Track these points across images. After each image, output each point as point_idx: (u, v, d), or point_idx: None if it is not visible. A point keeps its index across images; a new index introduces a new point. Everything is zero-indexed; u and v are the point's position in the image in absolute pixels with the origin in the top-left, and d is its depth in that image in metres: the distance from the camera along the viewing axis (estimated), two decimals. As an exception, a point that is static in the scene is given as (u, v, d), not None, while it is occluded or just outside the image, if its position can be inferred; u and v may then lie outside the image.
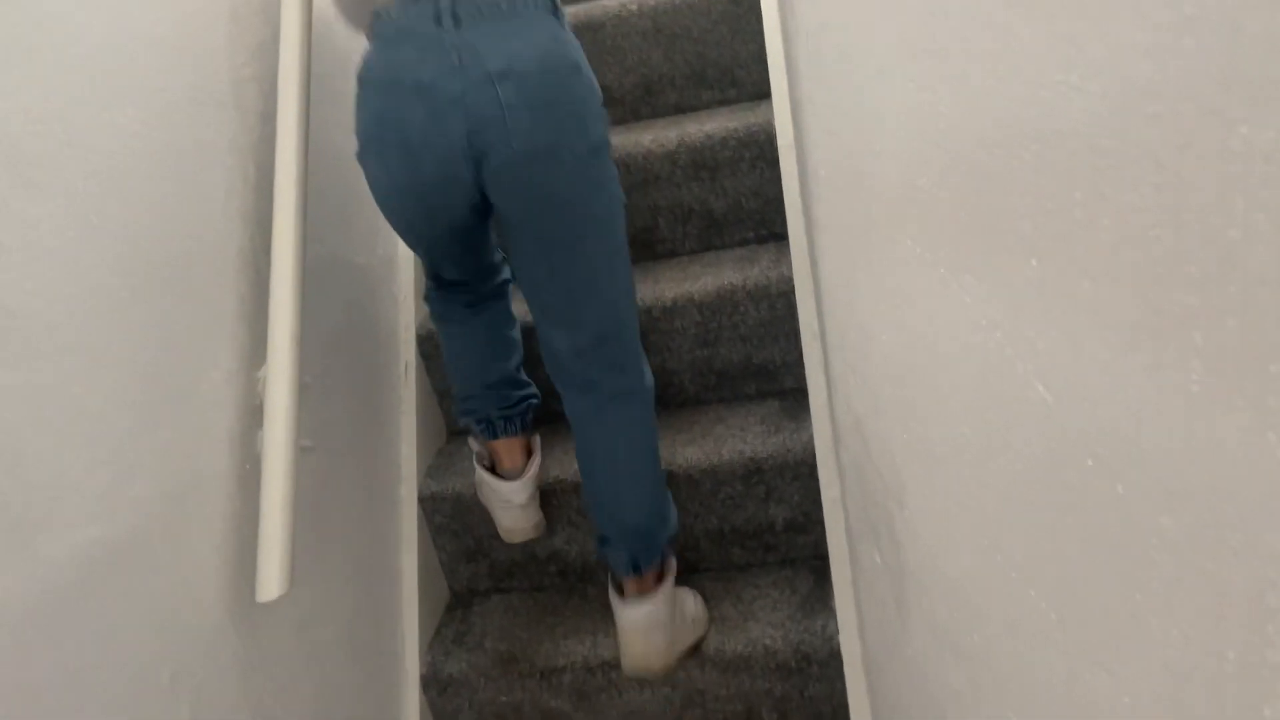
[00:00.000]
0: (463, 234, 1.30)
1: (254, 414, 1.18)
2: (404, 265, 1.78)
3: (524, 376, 1.55)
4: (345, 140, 1.35)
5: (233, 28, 1.27)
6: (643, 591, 1.36)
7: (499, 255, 1.48)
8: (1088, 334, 0.42)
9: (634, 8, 1.86)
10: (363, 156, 1.23)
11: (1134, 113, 0.36)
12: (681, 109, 1.94)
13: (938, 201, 0.61)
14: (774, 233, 1.78)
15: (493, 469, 1.55)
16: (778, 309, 1.62)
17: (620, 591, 1.39)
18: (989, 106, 0.50)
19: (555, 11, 1.18)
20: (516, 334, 1.53)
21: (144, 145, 1.06)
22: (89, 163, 0.97)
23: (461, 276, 1.42)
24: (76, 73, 0.97)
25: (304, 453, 1.30)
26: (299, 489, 1.16)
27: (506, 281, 1.50)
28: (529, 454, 1.56)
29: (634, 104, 1.94)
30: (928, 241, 0.66)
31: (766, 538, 1.59)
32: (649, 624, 1.35)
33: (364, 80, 1.20)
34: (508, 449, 1.52)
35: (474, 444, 1.57)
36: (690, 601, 1.48)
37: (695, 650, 1.46)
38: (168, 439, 1.03)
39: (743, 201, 1.77)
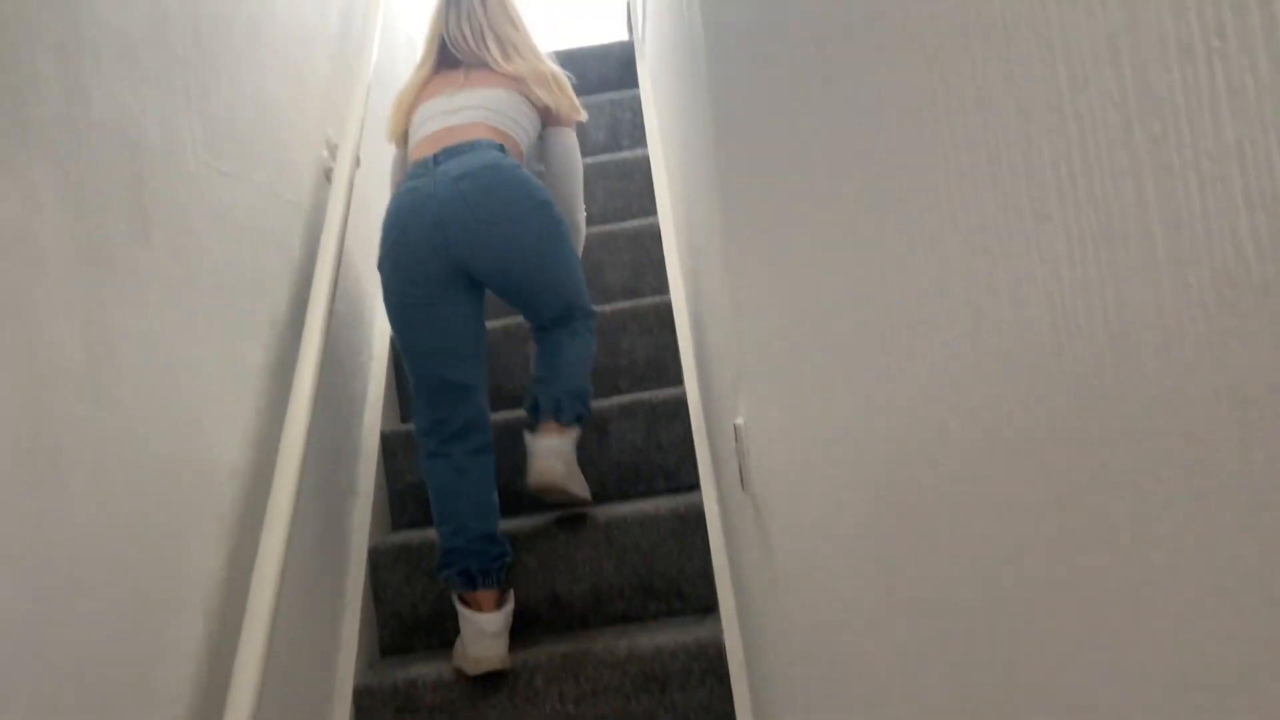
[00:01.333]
0: (443, 316, 1.74)
1: None
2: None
3: (501, 535, 1.76)
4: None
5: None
6: (554, 434, 1.76)
7: (488, 414, 1.81)
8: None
9: (589, 523, 1.90)
10: (379, 269, 1.79)
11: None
12: (629, 618, 1.88)
13: None
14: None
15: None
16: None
17: (536, 434, 1.78)
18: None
19: (502, 149, 1.78)
20: (496, 498, 1.79)
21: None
22: None
23: (452, 408, 1.75)
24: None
25: None
26: None
27: (489, 443, 1.80)
28: (502, 598, 1.75)
29: (583, 611, 1.89)
30: None
31: None
32: (554, 451, 1.75)
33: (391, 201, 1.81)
34: (485, 598, 1.71)
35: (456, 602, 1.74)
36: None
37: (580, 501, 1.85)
38: None
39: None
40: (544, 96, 1.88)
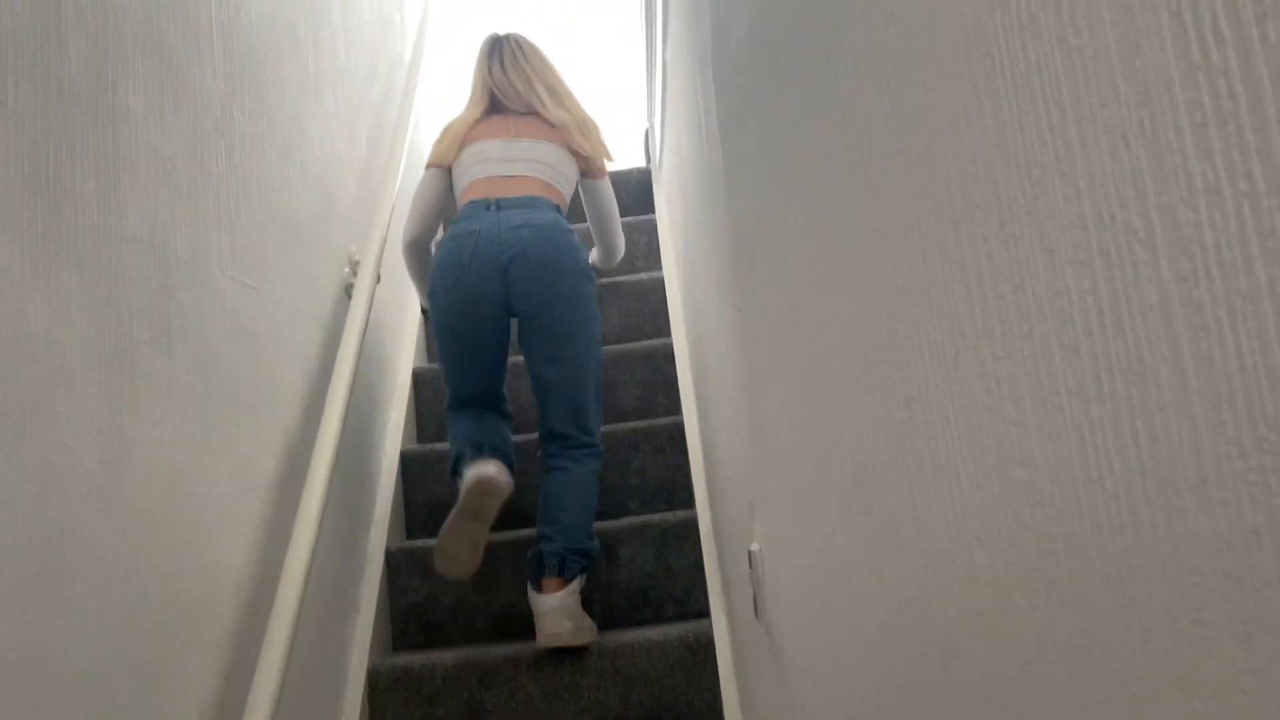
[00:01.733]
0: (491, 343, 1.98)
1: None
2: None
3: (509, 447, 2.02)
4: None
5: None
6: (556, 590, 1.82)
7: (507, 400, 2.07)
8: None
9: (595, 649, 1.85)
10: (433, 295, 1.99)
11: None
12: (634, 753, 1.80)
13: None
14: None
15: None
16: None
17: (540, 590, 1.83)
18: None
19: (559, 210, 2.04)
20: (510, 439, 2.03)
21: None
22: None
23: (482, 394, 2.00)
24: None
25: None
26: None
27: (509, 413, 2.06)
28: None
29: (585, 744, 1.82)
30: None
31: None
32: (561, 610, 1.80)
33: (441, 244, 2.01)
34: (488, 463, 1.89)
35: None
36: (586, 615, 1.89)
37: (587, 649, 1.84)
38: None
39: None
40: (584, 145, 2.13)
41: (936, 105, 0.46)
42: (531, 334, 1.97)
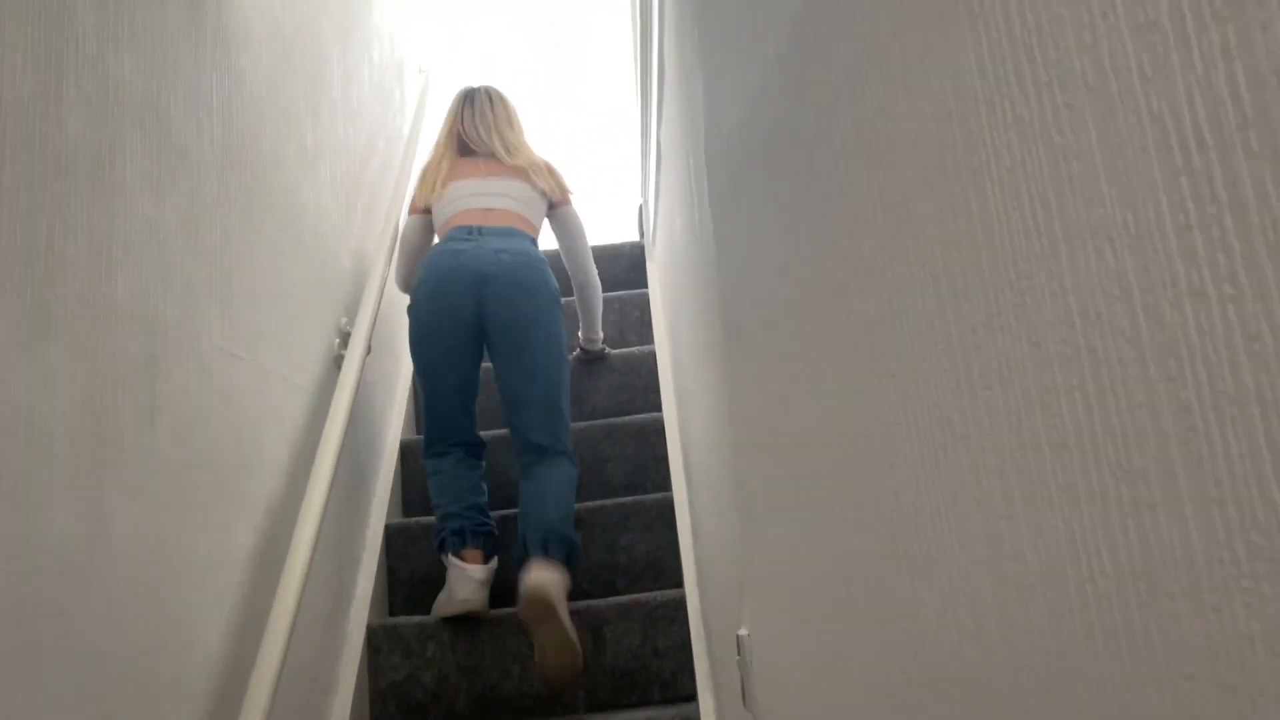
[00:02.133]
0: (465, 352, 2.14)
1: None
2: None
3: (489, 511, 2.12)
4: None
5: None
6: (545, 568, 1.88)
7: (476, 422, 2.21)
8: None
9: (576, 728, 1.80)
10: (413, 307, 2.16)
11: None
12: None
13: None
14: None
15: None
16: None
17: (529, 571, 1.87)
18: None
19: (533, 241, 2.26)
20: (485, 490, 2.15)
21: None
22: None
23: (458, 423, 2.14)
24: None
25: None
26: None
27: (483, 451, 2.20)
28: (487, 559, 2.03)
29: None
30: None
31: None
32: (547, 576, 1.84)
33: (424, 264, 2.20)
34: (472, 555, 2.02)
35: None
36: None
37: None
38: None
39: None
40: (542, 183, 2.36)
41: (924, 197, 0.46)
42: (507, 350, 2.11)
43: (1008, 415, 0.40)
